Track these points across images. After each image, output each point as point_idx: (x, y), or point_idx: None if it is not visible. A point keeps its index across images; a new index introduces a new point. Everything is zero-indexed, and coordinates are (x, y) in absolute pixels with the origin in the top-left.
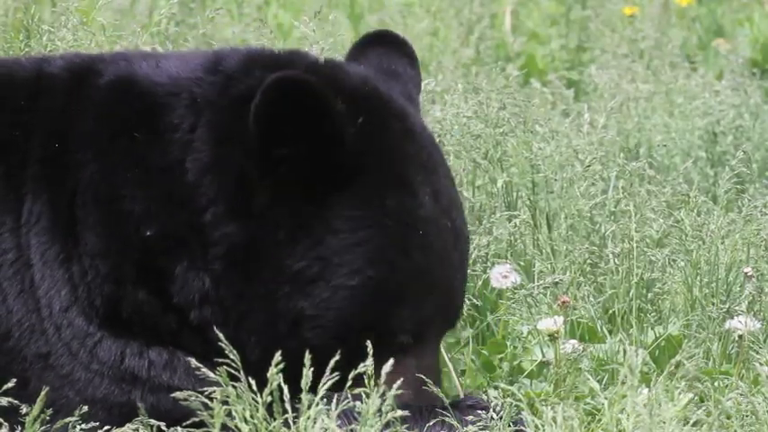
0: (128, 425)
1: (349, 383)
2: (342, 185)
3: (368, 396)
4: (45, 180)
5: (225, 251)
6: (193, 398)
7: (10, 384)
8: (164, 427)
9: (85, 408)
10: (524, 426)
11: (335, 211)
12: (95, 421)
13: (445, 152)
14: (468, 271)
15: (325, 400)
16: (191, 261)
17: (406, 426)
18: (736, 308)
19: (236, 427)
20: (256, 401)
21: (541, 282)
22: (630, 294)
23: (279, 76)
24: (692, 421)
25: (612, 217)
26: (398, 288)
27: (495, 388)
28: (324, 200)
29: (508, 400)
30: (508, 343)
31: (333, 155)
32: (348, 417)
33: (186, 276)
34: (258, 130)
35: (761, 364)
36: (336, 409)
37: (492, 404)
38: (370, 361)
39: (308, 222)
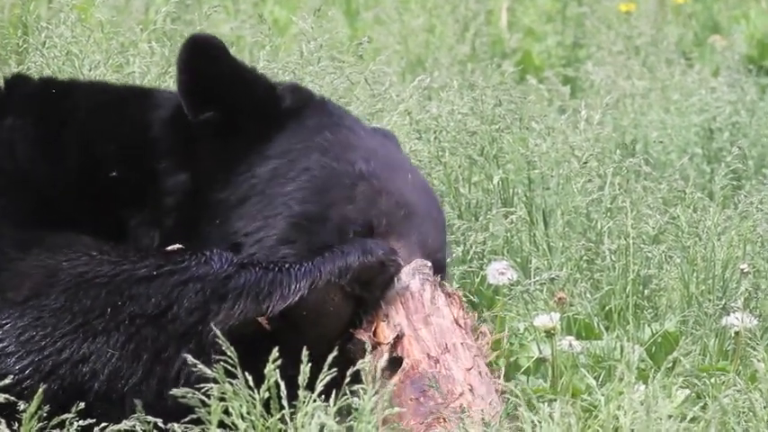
0: (125, 421)
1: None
2: (280, 129)
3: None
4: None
5: (176, 203)
6: (191, 395)
7: (7, 381)
8: (161, 424)
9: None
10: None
11: (270, 145)
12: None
13: (441, 148)
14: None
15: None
16: (143, 215)
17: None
18: (733, 304)
19: (233, 423)
20: (253, 398)
21: (538, 278)
22: (627, 291)
23: (187, 39)
24: (688, 418)
25: (609, 213)
26: (340, 187)
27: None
28: (261, 141)
29: (505, 396)
30: (505, 339)
31: (267, 110)
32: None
33: (137, 232)
34: (182, 97)
35: (758, 361)
36: (334, 405)
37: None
38: (368, 358)
39: (244, 159)
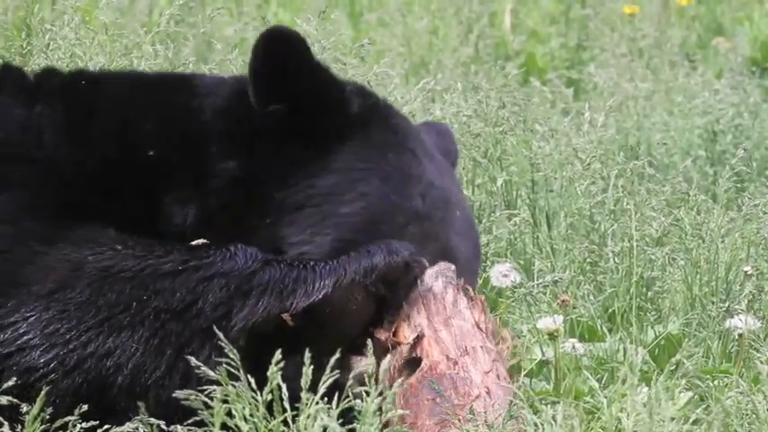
0: (127, 423)
1: None
2: (344, 139)
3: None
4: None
5: (223, 184)
6: (194, 397)
7: (10, 383)
8: (164, 426)
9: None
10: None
11: (334, 156)
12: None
13: None
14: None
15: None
16: (179, 193)
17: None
18: (736, 306)
19: (235, 425)
20: (256, 400)
21: (541, 280)
22: (630, 293)
23: (268, 30)
24: (691, 420)
25: (612, 216)
26: (392, 224)
27: None
28: (324, 149)
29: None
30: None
31: (335, 114)
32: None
33: (172, 209)
34: (252, 86)
35: (761, 363)
36: (337, 407)
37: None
38: (371, 359)
39: (305, 164)
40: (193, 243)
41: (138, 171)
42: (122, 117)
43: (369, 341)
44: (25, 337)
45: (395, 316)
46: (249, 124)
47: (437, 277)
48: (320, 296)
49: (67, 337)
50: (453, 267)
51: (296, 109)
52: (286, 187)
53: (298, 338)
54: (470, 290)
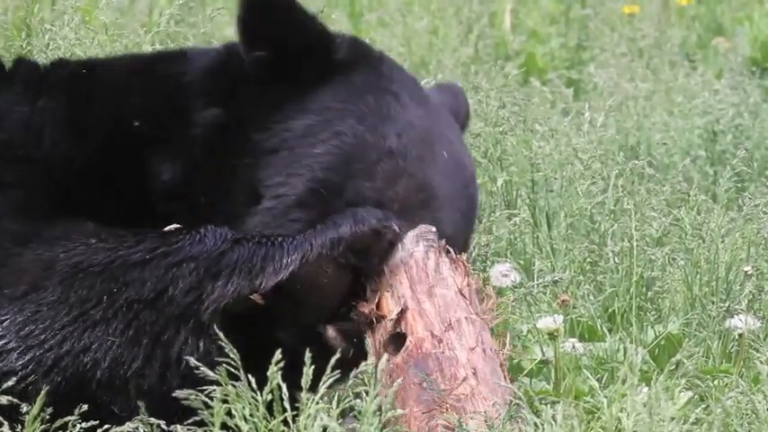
0: (127, 423)
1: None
2: (325, 82)
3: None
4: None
5: (204, 134)
6: (194, 397)
7: (10, 383)
8: (164, 426)
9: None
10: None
11: (312, 97)
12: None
13: None
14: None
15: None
16: (166, 150)
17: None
18: (737, 306)
19: (235, 425)
20: (256, 400)
21: (541, 280)
22: (630, 293)
23: None
24: (691, 420)
25: (612, 215)
26: (365, 161)
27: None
28: (305, 92)
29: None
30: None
31: (318, 58)
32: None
33: (160, 169)
34: (239, 33)
35: (761, 363)
36: (337, 407)
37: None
38: (371, 360)
39: (285, 107)
40: (166, 229)
41: (128, 145)
42: (117, 99)
43: (367, 344)
44: (1, 342)
45: (377, 285)
46: (234, 73)
47: (417, 241)
48: (287, 273)
49: (42, 337)
50: (434, 230)
51: (280, 54)
52: (265, 130)
53: (273, 315)
54: (452, 252)
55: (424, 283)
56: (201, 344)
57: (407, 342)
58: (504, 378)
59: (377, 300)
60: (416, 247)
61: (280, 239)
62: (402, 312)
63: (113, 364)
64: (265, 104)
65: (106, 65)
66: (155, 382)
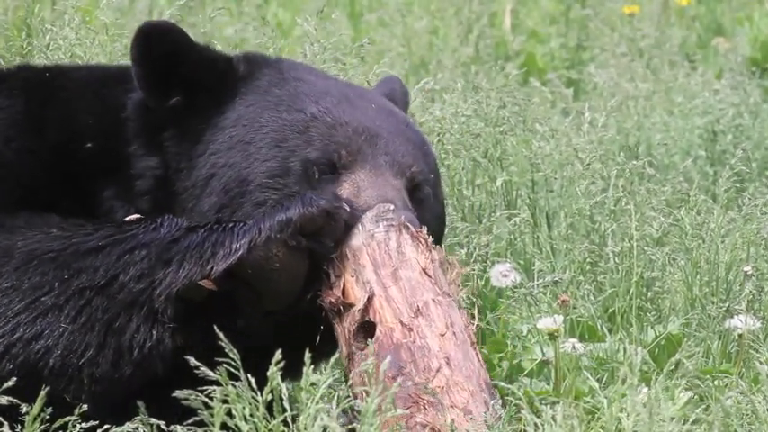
0: (127, 423)
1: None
2: (233, 98)
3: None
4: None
5: (148, 187)
6: (194, 397)
7: (10, 383)
8: (163, 426)
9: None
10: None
11: (227, 115)
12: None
13: (444, 151)
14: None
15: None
16: (118, 189)
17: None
18: (736, 306)
19: (235, 425)
20: (256, 400)
21: (541, 280)
22: (630, 293)
23: (138, 28)
24: (691, 420)
25: (612, 216)
26: (295, 139)
27: (495, 386)
28: (220, 113)
29: (508, 398)
30: (508, 342)
31: (225, 83)
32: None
33: (113, 203)
34: (147, 89)
35: (761, 363)
36: (337, 407)
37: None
38: (371, 360)
39: (204, 136)
40: (127, 219)
41: (80, 162)
42: (68, 110)
43: (370, 341)
44: None
45: (340, 270)
46: (153, 119)
47: (377, 222)
48: (236, 258)
49: None
50: (392, 207)
51: (190, 94)
52: (192, 171)
53: (233, 301)
54: (411, 227)
55: (387, 266)
56: (155, 331)
57: (377, 332)
58: (478, 360)
59: (342, 285)
60: (376, 228)
61: (231, 225)
62: (369, 300)
63: (65, 351)
64: (184, 148)
65: (66, 72)
66: (107, 369)
